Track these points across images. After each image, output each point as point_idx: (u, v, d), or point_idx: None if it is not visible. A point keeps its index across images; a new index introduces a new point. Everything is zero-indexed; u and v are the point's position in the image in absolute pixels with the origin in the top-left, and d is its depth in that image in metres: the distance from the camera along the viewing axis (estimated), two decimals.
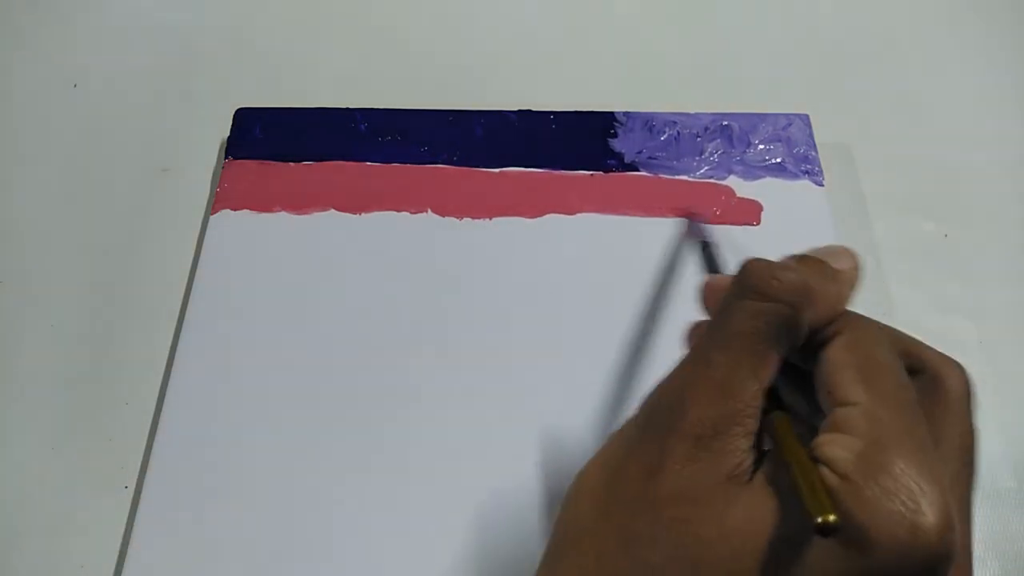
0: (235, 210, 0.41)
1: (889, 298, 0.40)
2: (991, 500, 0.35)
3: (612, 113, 0.44)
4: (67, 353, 0.40)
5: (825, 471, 0.18)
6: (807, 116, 0.44)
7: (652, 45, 0.50)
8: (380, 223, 0.41)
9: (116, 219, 0.44)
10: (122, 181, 0.45)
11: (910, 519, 0.17)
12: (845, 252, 0.23)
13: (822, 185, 0.42)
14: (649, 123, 0.44)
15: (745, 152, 0.43)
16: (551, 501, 0.34)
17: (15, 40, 0.51)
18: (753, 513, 0.19)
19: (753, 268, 0.21)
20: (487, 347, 0.37)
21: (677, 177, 0.42)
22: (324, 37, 0.50)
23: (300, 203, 0.42)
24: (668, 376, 0.22)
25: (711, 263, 0.34)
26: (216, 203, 0.42)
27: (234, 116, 0.45)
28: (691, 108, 0.44)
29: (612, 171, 0.42)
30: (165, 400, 0.36)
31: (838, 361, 0.21)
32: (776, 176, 0.42)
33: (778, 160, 0.42)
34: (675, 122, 0.44)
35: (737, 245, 0.40)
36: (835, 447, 0.19)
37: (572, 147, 0.43)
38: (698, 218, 0.40)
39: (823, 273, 0.22)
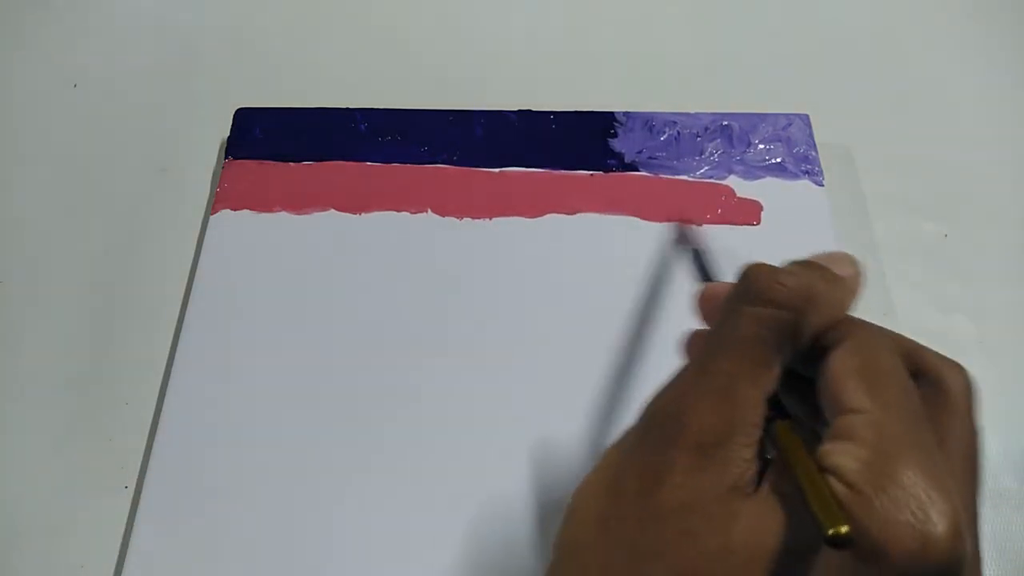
0: (235, 210, 0.41)
1: (889, 298, 0.40)
2: (992, 500, 0.35)
3: (612, 113, 0.44)
4: (67, 353, 0.40)
5: (833, 481, 0.18)
6: (807, 116, 0.44)
7: (652, 45, 0.50)
8: (380, 223, 0.41)
9: (116, 219, 0.44)
10: (122, 181, 0.45)
11: (920, 529, 0.17)
12: (847, 258, 0.23)
13: (822, 185, 0.42)
14: (649, 123, 0.44)
15: (745, 152, 0.43)
16: (552, 500, 0.34)
17: (15, 40, 0.51)
18: (758, 524, 0.19)
19: (755, 273, 0.21)
20: (487, 347, 0.37)
21: (677, 177, 0.42)
22: (324, 37, 0.50)
23: (300, 203, 0.42)
24: (667, 385, 0.21)
25: (703, 269, 0.33)
26: (216, 203, 0.42)
27: (234, 116, 0.45)
28: (691, 108, 0.44)
29: (612, 171, 0.42)
30: (165, 400, 0.36)
31: (842, 368, 0.20)
32: (776, 176, 0.42)
33: (778, 160, 0.42)
34: (675, 122, 0.44)
35: (737, 245, 0.40)
36: (842, 456, 0.18)
37: (572, 147, 0.43)
38: (688, 223, 0.39)
39: (826, 278, 0.22)
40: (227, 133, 0.44)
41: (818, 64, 0.49)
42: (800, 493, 0.18)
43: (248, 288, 0.39)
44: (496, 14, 0.51)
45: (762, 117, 0.44)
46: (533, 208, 0.41)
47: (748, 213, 0.41)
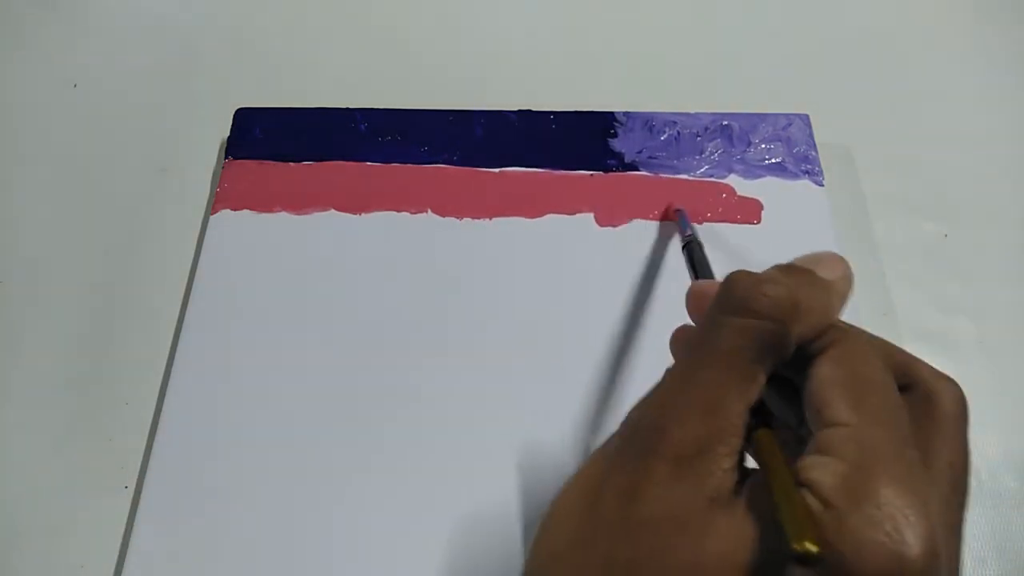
0: (235, 210, 0.41)
1: (889, 298, 0.40)
2: (991, 500, 0.35)
3: (612, 113, 0.44)
4: (67, 353, 0.40)
5: (808, 496, 0.18)
6: (807, 116, 0.44)
7: (652, 45, 0.50)
8: (380, 223, 0.41)
9: (116, 219, 0.44)
10: (122, 181, 0.45)
11: (894, 549, 0.16)
12: (834, 259, 0.22)
13: (822, 185, 0.42)
14: (649, 123, 0.44)
15: (745, 152, 0.43)
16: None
17: (15, 40, 0.51)
18: (734, 536, 0.18)
19: (738, 282, 0.20)
20: (487, 347, 0.37)
21: (677, 176, 0.42)
22: (324, 37, 0.50)
23: (300, 203, 0.42)
24: (650, 394, 0.21)
25: (698, 262, 0.33)
26: (216, 203, 0.42)
27: (234, 116, 0.45)
28: (691, 108, 0.44)
29: (612, 171, 0.42)
30: (165, 400, 0.36)
31: (827, 378, 0.20)
32: (776, 176, 0.42)
33: (778, 160, 0.42)
34: (675, 122, 0.44)
35: (737, 243, 0.40)
36: (819, 471, 0.18)
37: (572, 147, 0.43)
38: (682, 216, 0.39)
39: (812, 284, 0.21)
40: (227, 133, 0.44)
41: (818, 64, 0.49)
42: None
43: (248, 288, 0.39)
44: (496, 14, 0.51)
45: (762, 117, 0.44)
46: (533, 208, 0.41)
47: (748, 212, 0.41)
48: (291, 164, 0.43)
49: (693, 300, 0.24)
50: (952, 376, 0.21)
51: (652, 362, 0.36)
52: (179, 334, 0.38)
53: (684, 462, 0.19)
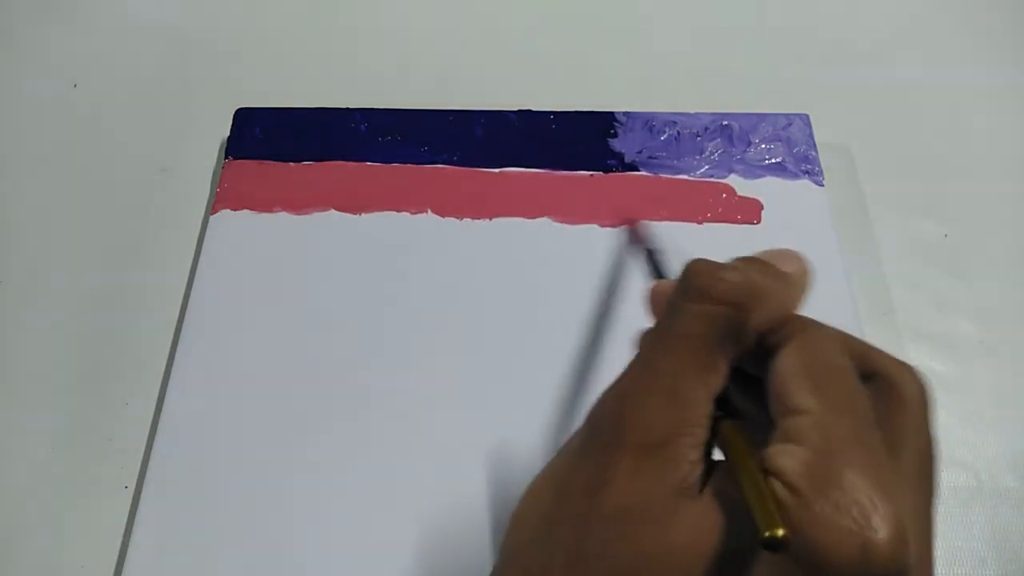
0: (235, 210, 0.41)
1: (889, 298, 0.40)
2: (992, 500, 0.35)
3: (612, 113, 0.44)
4: (67, 353, 0.40)
5: (775, 483, 0.18)
6: (807, 116, 0.44)
7: (652, 45, 0.50)
8: (380, 223, 0.41)
9: (116, 219, 0.44)
10: (122, 181, 0.45)
11: (861, 535, 0.16)
12: (792, 255, 0.22)
13: (822, 185, 0.42)
14: (649, 123, 0.44)
15: (745, 152, 0.43)
16: None
17: (15, 40, 0.51)
18: (700, 526, 0.18)
19: (697, 269, 0.20)
20: (487, 347, 0.37)
21: (677, 176, 0.42)
22: (324, 37, 0.51)
23: (300, 203, 0.42)
24: (612, 385, 0.21)
25: (656, 269, 0.33)
26: (216, 203, 0.42)
27: (234, 116, 0.45)
28: (691, 108, 0.44)
29: (612, 171, 0.42)
30: (165, 400, 0.36)
31: (788, 367, 0.20)
32: (776, 175, 0.42)
33: (778, 160, 0.42)
34: (675, 122, 0.44)
35: (737, 244, 0.39)
36: (785, 458, 0.18)
37: (572, 147, 0.43)
38: (641, 224, 0.39)
39: (769, 274, 0.21)
40: (227, 133, 0.44)
41: (818, 64, 0.49)
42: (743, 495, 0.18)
43: (248, 288, 0.39)
44: (496, 14, 0.51)
45: (762, 117, 0.44)
46: (533, 208, 0.41)
47: (748, 212, 0.41)
48: (291, 164, 0.43)
49: (654, 298, 0.24)
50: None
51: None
52: (179, 334, 0.38)
53: (648, 452, 0.19)
